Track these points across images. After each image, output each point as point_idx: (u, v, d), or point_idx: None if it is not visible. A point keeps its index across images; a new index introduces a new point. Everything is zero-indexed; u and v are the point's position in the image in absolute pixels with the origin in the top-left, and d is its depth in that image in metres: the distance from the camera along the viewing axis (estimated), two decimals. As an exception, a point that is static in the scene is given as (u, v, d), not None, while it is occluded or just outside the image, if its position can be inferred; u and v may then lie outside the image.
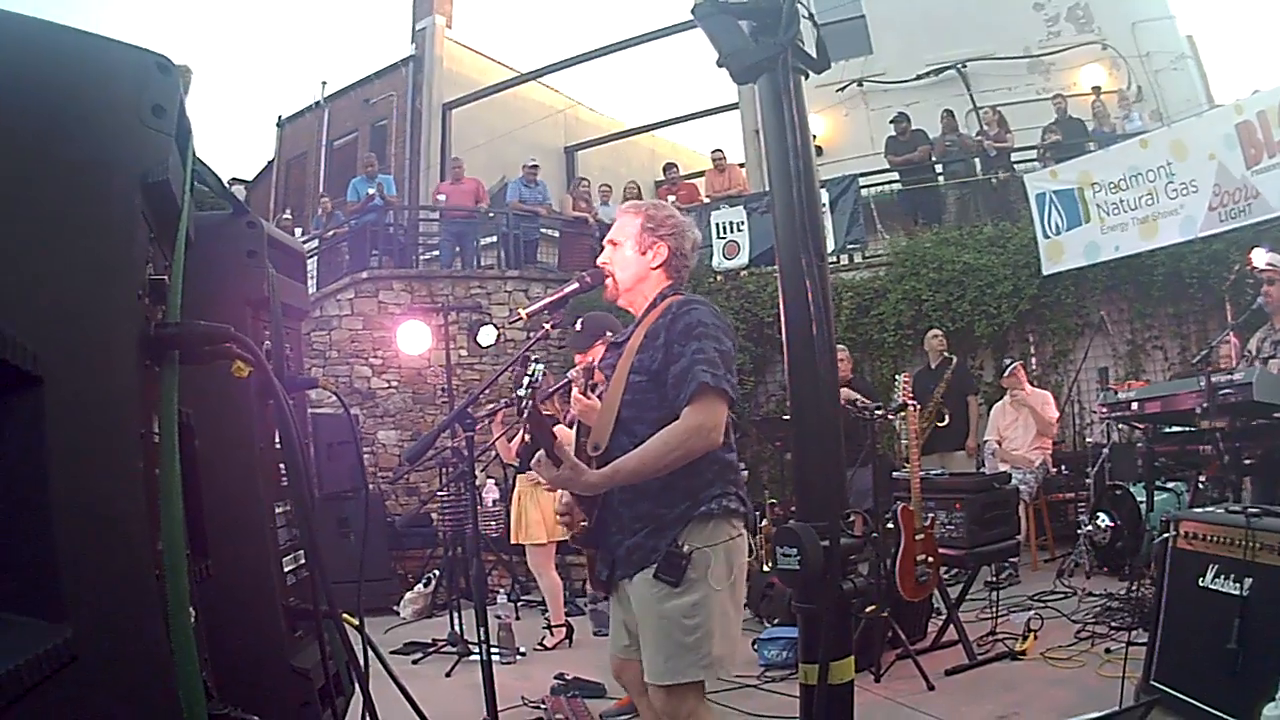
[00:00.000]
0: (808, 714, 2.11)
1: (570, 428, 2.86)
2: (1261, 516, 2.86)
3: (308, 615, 2.05)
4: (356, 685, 1.77)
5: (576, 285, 2.50)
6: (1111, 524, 5.61)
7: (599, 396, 2.45)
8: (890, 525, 4.38)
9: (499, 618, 5.40)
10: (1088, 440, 7.22)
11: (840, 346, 5.98)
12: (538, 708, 4.20)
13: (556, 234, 11.60)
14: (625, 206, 2.60)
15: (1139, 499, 5.44)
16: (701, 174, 12.00)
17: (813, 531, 2.04)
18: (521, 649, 5.36)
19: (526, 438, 4.89)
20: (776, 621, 5.14)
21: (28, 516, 0.93)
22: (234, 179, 17.72)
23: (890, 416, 5.00)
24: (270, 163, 18.34)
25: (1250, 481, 4.21)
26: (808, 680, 2.10)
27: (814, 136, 2.73)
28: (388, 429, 9.39)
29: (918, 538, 4.26)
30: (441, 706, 3.89)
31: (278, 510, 2.14)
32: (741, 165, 12.01)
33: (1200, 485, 4.91)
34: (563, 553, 6.04)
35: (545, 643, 5.51)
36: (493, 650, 3.31)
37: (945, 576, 4.57)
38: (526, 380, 2.05)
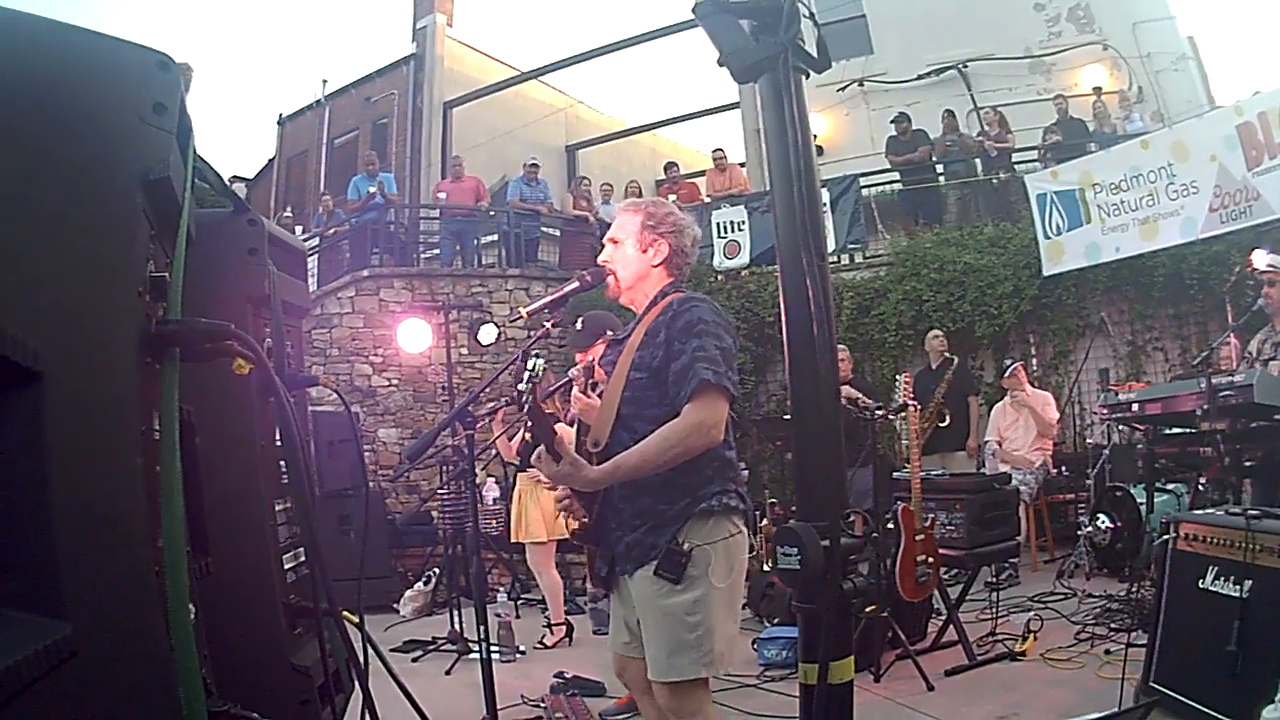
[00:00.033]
0: (807, 714, 2.11)
1: (571, 427, 2.86)
2: (1261, 518, 2.85)
3: (308, 613, 2.05)
4: (356, 683, 1.77)
5: (577, 284, 2.50)
6: (1112, 525, 5.62)
7: (599, 395, 2.45)
8: (890, 525, 4.38)
9: (499, 616, 5.40)
10: (1088, 441, 7.21)
11: (841, 346, 5.98)
12: (537, 706, 4.20)
13: (557, 233, 11.60)
14: (625, 204, 2.60)
15: (1139, 500, 5.44)
16: (702, 173, 12.00)
17: (813, 531, 2.04)
18: (521, 647, 5.36)
19: (527, 436, 4.89)
20: (776, 621, 5.15)
21: (27, 513, 0.93)
22: (235, 177, 17.75)
23: (891, 416, 5.00)
24: (271, 160, 18.34)
25: (1250, 483, 4.21)
26: (807, 680, 2.10)
27: (815, 136, 2.72)
28: (388, 427, 9.39)
29: (918, 538, 4.26)
30: (441, 705, 3.89)
31: (278, 507, 2.14)
32: (742, 165, 12.01)
33: (1200, 487, 4.91)
34: (563, 551, 6.04)
35: (545, 641, 5.51)
36: (492, 648, 3.31)
37: (945, 577, 4.57)
38: (527, 375, 2.06)
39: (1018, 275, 7.98)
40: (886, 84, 12.17)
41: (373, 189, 10.96)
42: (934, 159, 10.05)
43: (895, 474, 5.28)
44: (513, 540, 5.87)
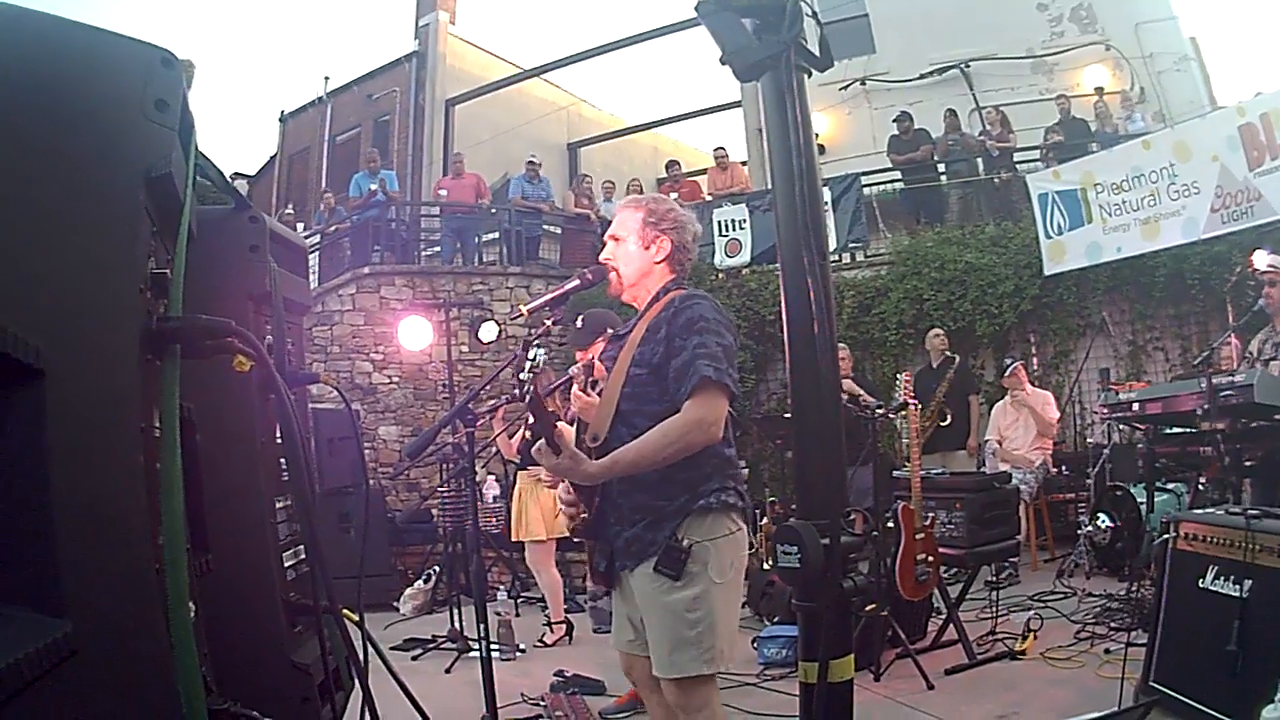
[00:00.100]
0: (807, 712, 2.11)
1: (571, 425, 2.86)
2: (1261, 518, 2.86)
3: (308, 610, 2.05)
4: (356, 681, 1.77)
5: (578, 282, 2.50)
6: (1112, 525, 5.61)
7: (599, 392, 2.46)
8: (891, 524, 4.38)
9: (499, 614, 5.41)
10: (1088, 441, 7.21)
11: (841, 345, 5.98)
12: (537, 705, 4.20)
13: (559, 230, 11.59)
14: (625, 201, 2.61)
15: (1139, 500, 5.44)
16: (704, 172, 12.00)
17: (813, 529, 2.04)
18: (521, 646, 5.36)
19: (527, 434, 4.90)
20: (776, 619, 5.14)
21: (28, 510, 0.93)
22: (236, 174, 17.74)
23: (891, 415, 5.01)
24: (273, 158, 18.35)
25: (1250, 483, 4.21)
26: (807, 678, 2.10)
27: (816, 135, 2.72)
28: (389, 424, 9.40)
29: (918, 537, 4.26)
30: (441, 703, 3.90)
31: (278, 505, 2.14)
32: (744, 163, 12.02)
33: (1200, 487, 4.91)
34: (562, 550, 6.04)
35: (545, 639, 5.51)
36: (492, 647, 3.31)
37: (945, 576, 4.57)
38: (528, 364, 2.06)
39: (1019, 274, 7.98)
40: (889, 83, 12.16)
41: (374, 186, 10.97)
42: (936, 158, 10.05)
43: (895, 473, 5.27)
44: (513, 539, 5.87)
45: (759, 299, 8.69)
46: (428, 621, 6.33)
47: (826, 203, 7.58)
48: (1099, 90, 10.55)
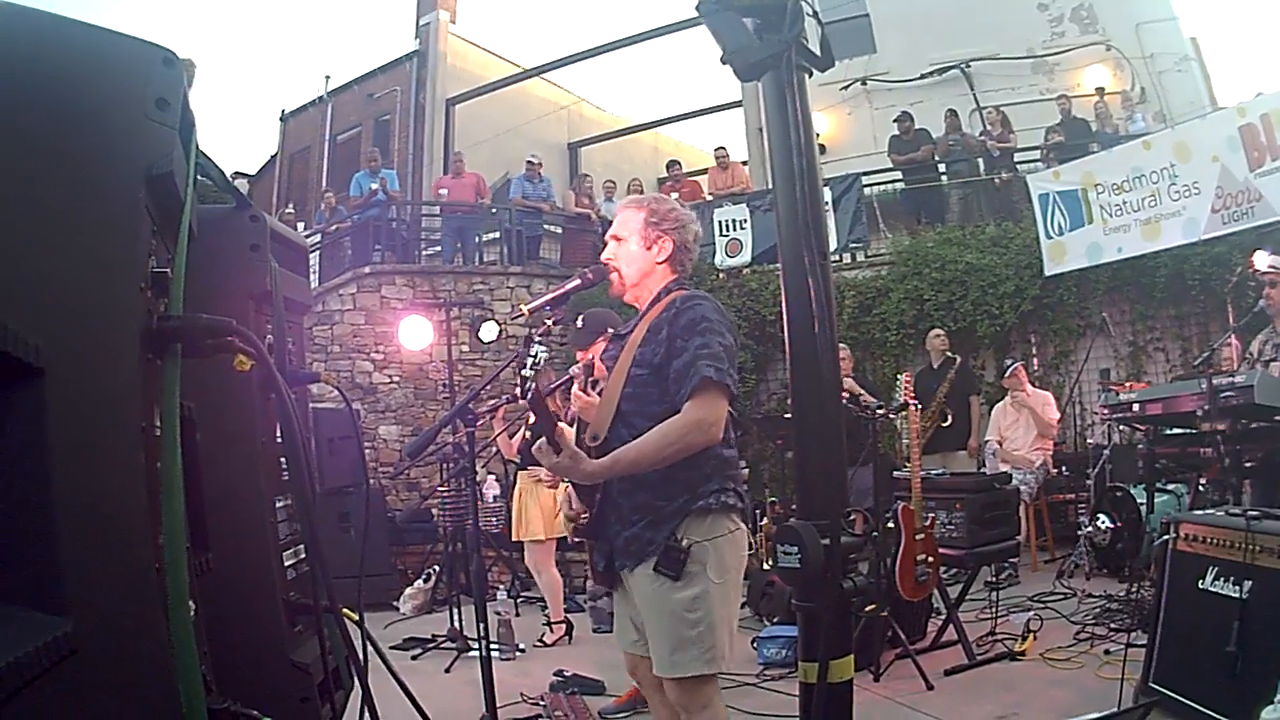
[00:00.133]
0: (807, 712, 2.11)
1: (572, 425, 2.86)
2: (1261, 519, 2.86)
3: (308, 610, 2.05)
4: (356, 680, 1.77)
5: (579, 282, 2.49)
6: (1112, 525, 5.61)
7: (599, 392, 2.46)
8: (891, 524, 4.38)
9: (499, 614, 5.41)
10: (1088, 441, 7.21)
11: (842, 345, 5.99)
12: (537, 704, 4.20)
13: (559, 230, 11.59)
14: (626, 201, 2.60)
15: (1139, 500, 5.44)
16: (704, 171, 12.00)
17: (813, 530, 2.04)
18: (521, 645, 5.36)
19: (528, 434, 4.90)
20: (776, 620, 5.14)
21: (28, 510, 0.93)
22: (237, 173, 17.73)
23: (892, 416, 5.00)
24: (273, 157, 18.34)
25: (1250, 484, 4.21)
26: (807, 679, 2.10)
27: (817, 135, 2.71)
28: (389, 424, 9.40)
29: (918, 537, 4.26)
30: (441, 702, 3.90)
31: (278, 504, 2.14)
32: (744, 163, 12.01)
33: (1200, 487, 4.91)
34: (562, 550, 6.04)
35: (545, 639, 5.51)
36: (492, 646, 3.31)
37: (945, 576, 4.57)
38: (530, 361, 2.06)
39: (1019, 275, 7.98)
40: (889, 83, 12.16)
41: (375, 186, 10.97)
42: (936, 158, 10.05)
43: (896, 473, 5.27)
44: (513, 538, 5.87)
45: (759, 299, 8.69)
46: (427, 621, 6.33)
47: (827, 203, 7.58)
48: (1099, 90, 10.54)
